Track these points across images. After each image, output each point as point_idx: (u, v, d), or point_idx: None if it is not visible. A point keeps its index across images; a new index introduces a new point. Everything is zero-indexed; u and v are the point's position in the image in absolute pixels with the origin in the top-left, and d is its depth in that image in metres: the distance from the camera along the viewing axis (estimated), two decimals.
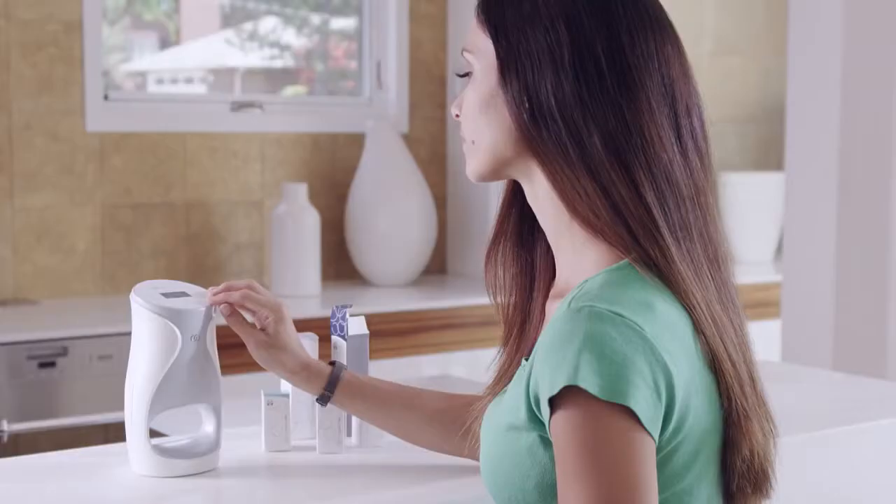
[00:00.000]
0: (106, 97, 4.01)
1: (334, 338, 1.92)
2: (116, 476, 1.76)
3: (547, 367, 1.28)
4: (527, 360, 1.39)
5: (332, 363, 1.78)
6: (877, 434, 2.09)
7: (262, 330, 1.72)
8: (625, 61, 1.36)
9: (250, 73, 4.53)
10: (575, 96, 1.35)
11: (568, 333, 1.27)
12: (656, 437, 1.27)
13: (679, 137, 1.38)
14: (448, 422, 1.74)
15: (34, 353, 3.41)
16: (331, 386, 1.75)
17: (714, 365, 1.35)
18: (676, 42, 1.40)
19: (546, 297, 1.50)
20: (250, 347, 1.73)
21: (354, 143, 4.39)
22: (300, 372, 1.75)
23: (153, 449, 1.74)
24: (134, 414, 1.74)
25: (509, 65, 1.39)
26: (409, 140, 4.48)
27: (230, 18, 4.60)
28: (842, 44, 3.43)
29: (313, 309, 3.84)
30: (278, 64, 4.62)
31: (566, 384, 1.24)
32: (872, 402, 2.27)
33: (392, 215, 4.25)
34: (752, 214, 5.01)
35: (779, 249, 5.10)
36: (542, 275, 1.51)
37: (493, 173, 1.46)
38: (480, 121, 1.43)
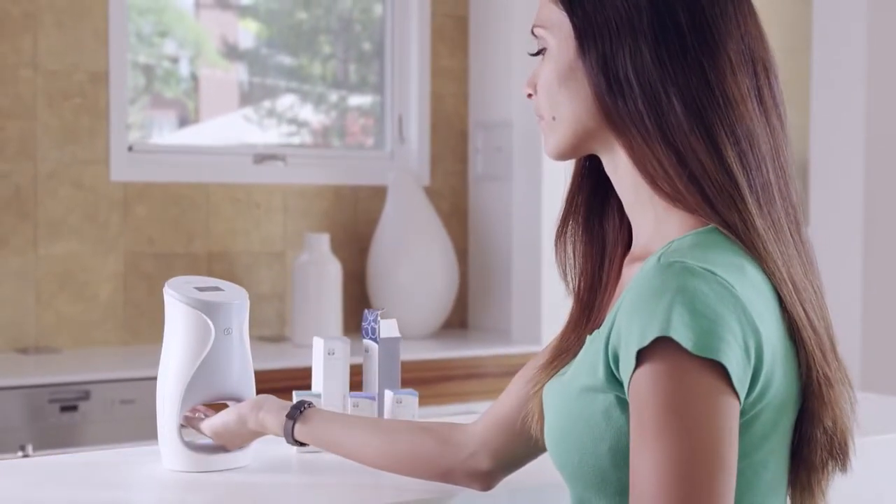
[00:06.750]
0: (130, 148, 4.04)
1: (366, 341, 1.93)
2: (147, 471, 1.76)
3: (635, 320, 1.24)
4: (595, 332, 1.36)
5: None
6: None
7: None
8: (705, 21, 1.35)
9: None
10: (655, 60, 1.33)
11: (659, 287, 1.24)
12: (742, 399, 1.24)
13: (760, 98, 1.36)
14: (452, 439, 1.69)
15: (56, 396, 3.38)
16: (294, 410, 1.75)
17: (794, 333, 1.32)
18: (750, 2, 1.39)
19: (618, 268, 1.48)
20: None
21: (376, 195, 4.40)
22: (255, 413, 1.76)
23: (184, 444, 1.73)
24: (166, 408, 1.73)
25: (587, 34, 1.37)
26: (431, 193, 4.49)
27: (249, 97, 4.64)
28: (865, 101, 3.43)
29: None
30: (296, 140, 4.65)
31: (658, 335, 1.21)
32: None
33: (413, 268, 4.25)
34: None
35: None
36: (614, 247, 1.49)
37: (574, 149, 1.44)
38: (560, 95, 1.41)
